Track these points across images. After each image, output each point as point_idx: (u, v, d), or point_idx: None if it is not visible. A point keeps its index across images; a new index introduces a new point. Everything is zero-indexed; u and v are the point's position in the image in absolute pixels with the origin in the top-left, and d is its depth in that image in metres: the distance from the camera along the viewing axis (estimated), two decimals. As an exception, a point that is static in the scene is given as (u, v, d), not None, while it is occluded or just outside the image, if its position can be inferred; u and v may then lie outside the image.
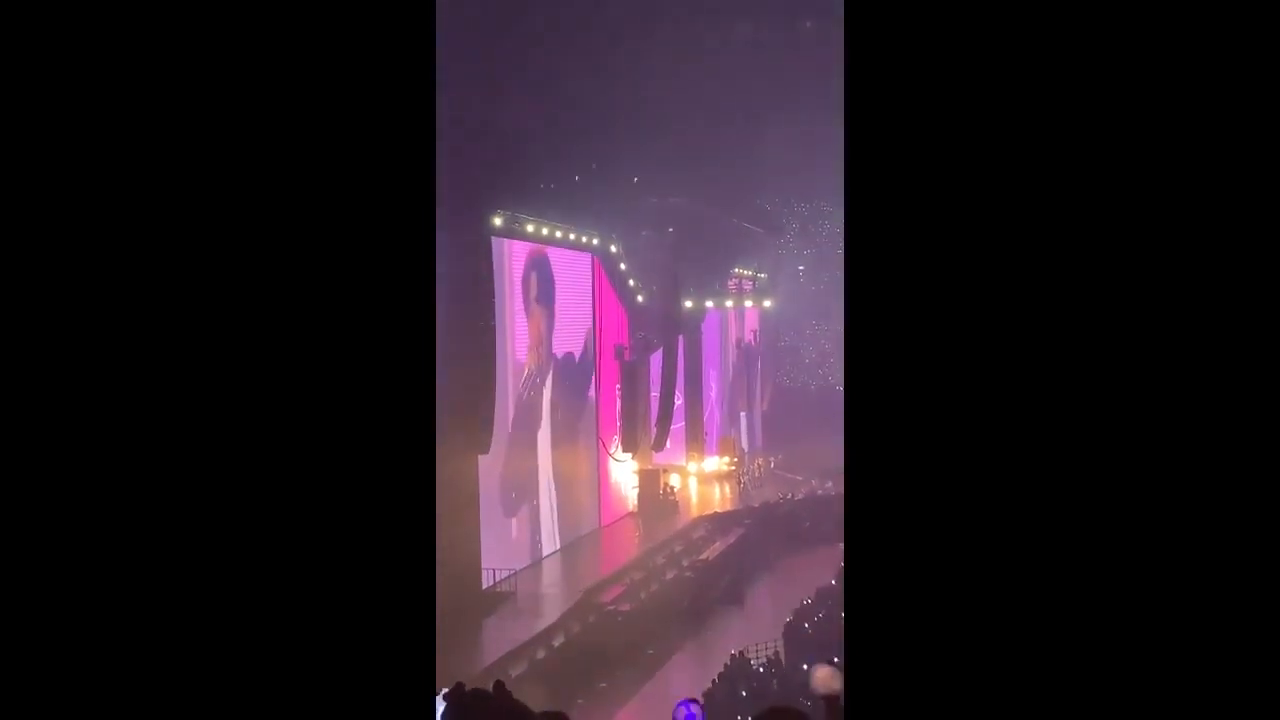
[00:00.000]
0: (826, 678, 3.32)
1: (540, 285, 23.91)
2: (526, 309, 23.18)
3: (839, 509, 26.54)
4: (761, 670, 16.88)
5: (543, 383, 24.01)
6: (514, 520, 22.54)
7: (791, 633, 18.71)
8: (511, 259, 22.20)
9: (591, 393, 26.56)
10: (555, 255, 24.49)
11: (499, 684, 3.86)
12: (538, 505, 23.71)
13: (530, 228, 22.59)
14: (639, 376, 28.02)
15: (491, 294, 19.94)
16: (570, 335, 25.37)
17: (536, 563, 23.09)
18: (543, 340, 23.99)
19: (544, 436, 24.02)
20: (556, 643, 18.22)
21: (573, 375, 25.58)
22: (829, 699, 3.21)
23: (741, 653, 17.33)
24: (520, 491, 22.84)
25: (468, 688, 3.48)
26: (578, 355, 25.92)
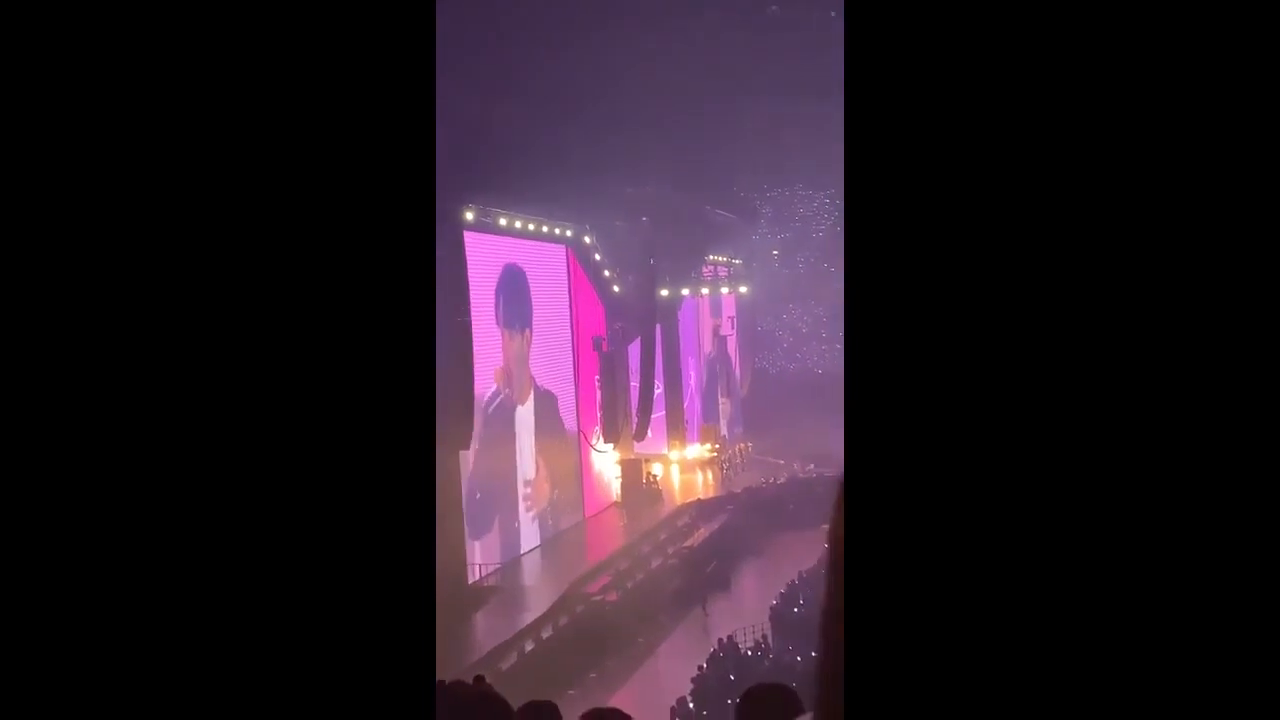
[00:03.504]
0: None
1: (514, 277, 23.86)
2: (500, 303, 23.13)
3: (821, 491, 26.71)
4: (750, 654, 16.95)
5: (521, 376, 23.98)
6: (498, 515, 22.52)
7: (778, 615, 18.79)
8: (484, 253, 22.13)
9: (571, 385, 26.55)
10: (529, 248, 24.44)
11: (479, 678, 3.86)
12: (521, 499, 23.69)
13: (502, 221, 22.52)
14: (618, 367, 28.01)
15: (465, 289, 19.88)
16: (547, 327, 25.34)
17: (522, 556, 23.08)
18: (519, 333, 23.95)
19: (525, 430, 24.00)
20: (545, 634, 18.23)
21: (551, 368, 25.55)
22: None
23: (730, 637, 17.40)
24: (503, 486, 22.82)
25: (447, 681, 3.48)
26: (555, 347, 25.89)
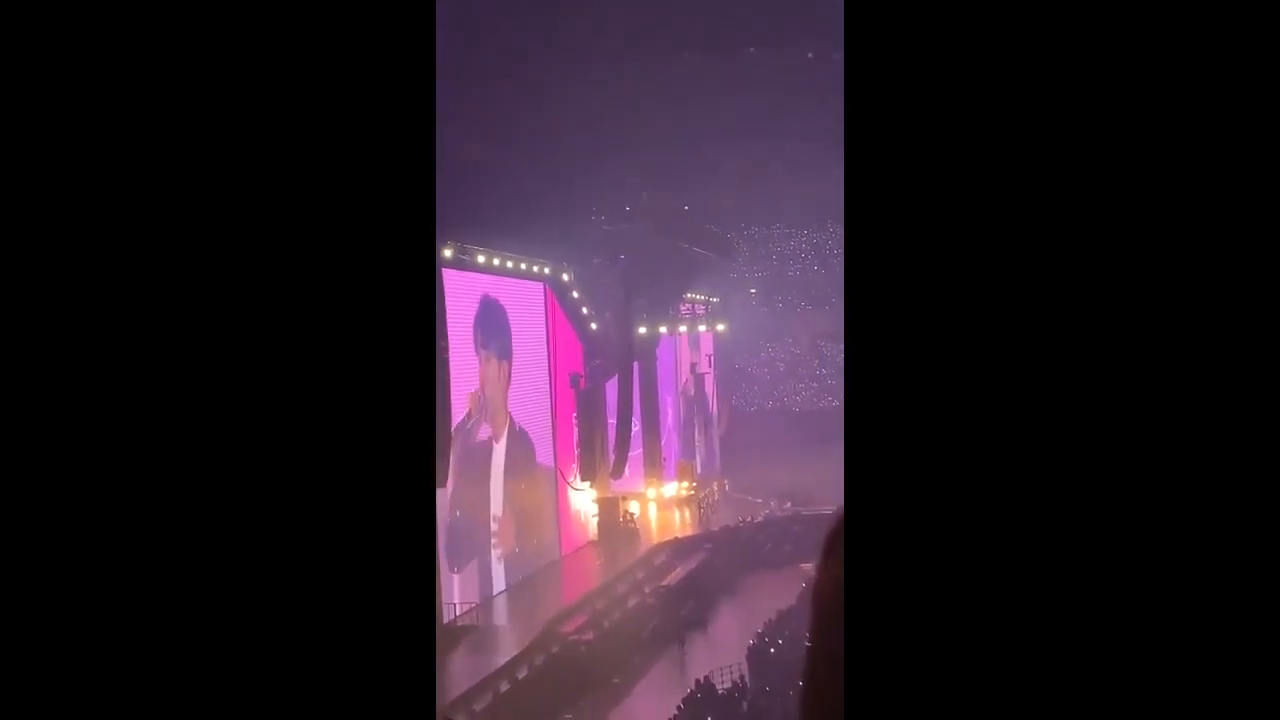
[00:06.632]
0: None
1: (493, 315, 23.83)
2: (479, 339, 23.09)
3: (798, 530, 26.65)
4: (727, 694, 16.82)
5: (498, 413, 23.89)
6: (474, 553, 22.36)
7: (755, 655, 18.66)
8: (462, 289, 22.11)
9: (548, 422, 26.46)
10: (507, 285, 24.43)
11: None
12: (498, 537, 23.54)
13: (481, 258, 22.51)
14: (595, 404, 27.95)
15: (443, 326, 19.84)
16: (525, 365, 25.28)
17: (498, 595, 22.91)
18: (497, 369, 23.89)
19: (501, 467, 23.88)
20: (520, 675, 18.06)
21: (528, 405, 25.47)
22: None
23: (706, 678, 17.26)
24: (480, 524, 22.67)
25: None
26: (533, 384, 25.83)
